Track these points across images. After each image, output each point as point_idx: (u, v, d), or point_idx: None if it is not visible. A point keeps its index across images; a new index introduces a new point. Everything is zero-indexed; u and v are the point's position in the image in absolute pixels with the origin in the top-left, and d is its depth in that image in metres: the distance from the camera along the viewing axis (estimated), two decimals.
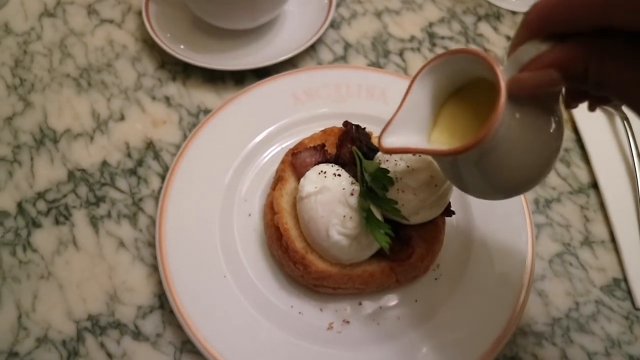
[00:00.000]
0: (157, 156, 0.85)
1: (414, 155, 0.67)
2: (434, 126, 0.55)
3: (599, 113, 0.93)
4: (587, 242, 0.81)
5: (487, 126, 0.43)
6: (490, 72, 0.44)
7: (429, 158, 0.67)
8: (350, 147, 0.72)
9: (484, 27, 1.06)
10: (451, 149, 0.47)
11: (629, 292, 0.76)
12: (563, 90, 0.50)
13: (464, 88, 0.54)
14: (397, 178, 0.65)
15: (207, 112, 0.90)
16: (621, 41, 0.38)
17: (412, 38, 1.03)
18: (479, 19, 1.07)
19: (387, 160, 0.67)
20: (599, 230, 0.82)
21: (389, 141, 0.53)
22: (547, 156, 0.48)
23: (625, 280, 0.77)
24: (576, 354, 0.71)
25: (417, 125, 0.54)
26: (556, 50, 0.42)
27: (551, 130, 0.47)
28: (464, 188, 0.55)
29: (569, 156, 0.89)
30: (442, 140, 0.54)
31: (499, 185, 0.51)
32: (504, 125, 0.44)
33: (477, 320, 0.69)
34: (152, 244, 0.76)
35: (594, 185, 0.86)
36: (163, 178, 0.82)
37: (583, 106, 0.92)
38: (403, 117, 0.53)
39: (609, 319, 0.74)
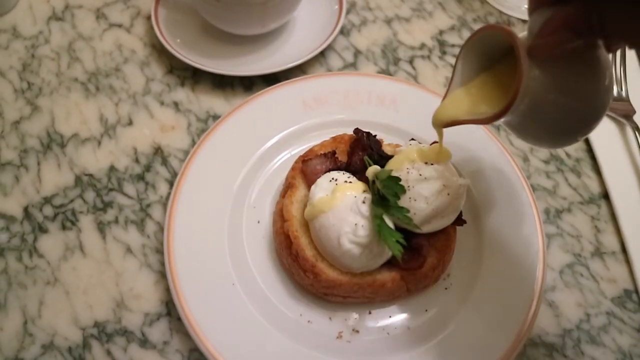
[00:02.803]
0: (165, 162, 0.84)
1: (428, 164, 0.66)
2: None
3: (609, 123, 0.92)
4: (598, 252, 0.80)
5: (511, 95, 0.48)
6: (512, 44, 0.48)
7: (442, 167, 0.66)
8: (362, 154, 0.71)
9: None
10: (487, 117, 0.53)
11: None
12: None
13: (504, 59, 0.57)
14: (409, 186, 0.65)
15: (216, 117, 0.89)
16: None
17: (423, 46, 1.02)
18: None
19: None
20: (610, 241, 0.81)
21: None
22: (594, 99, 0.51)
23: (637, 291, 0.77)
24: None
25: None
26: (559, 13, 0.45)
27: (591, 78, 0.50)
28: (530, 140, 0.60)
29: (579, 166, 0.89)
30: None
31: (558, 133, 0.55)
32: (533, 88, 0.48)
33: (487, 331, 0.68)
34: (159, 251, 0.76)
35: (605, 195, 0.86)
36: (171, 184, 0.82)
37: None
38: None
39: (620, 330, 0.73)
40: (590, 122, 0.53)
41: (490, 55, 0.56)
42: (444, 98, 0.60)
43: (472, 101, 0.57)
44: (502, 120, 0.52)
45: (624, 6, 0.41)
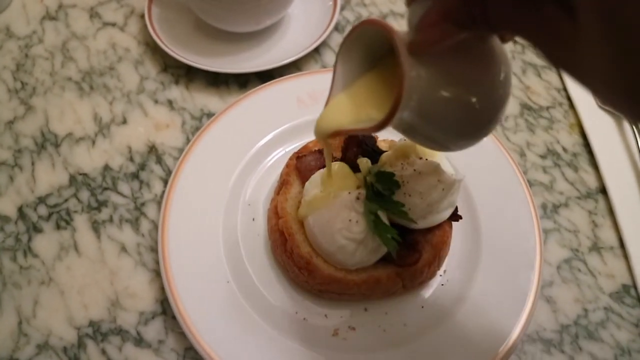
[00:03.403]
0: (159, 160, 0.84)
1: (420, 159, 0.66)
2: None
3: (606, 117, 0.92)
4: (596, 247, 0.80)
5: (393, 100, 0.43)
6: (391, 41, 0.43)
7: (436, 162, 0.66)
8: (356, 150, 0.71)
9: None
10: (371, 125, 0.47)
11: (639, 299, 0.75)
12: None
13: (387, 56, 0.51)
14: (403, 182, 0.65)
15: (210, 115, 0.89)
16: None
17: None
18: None
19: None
20: (607, 235, 0.81)
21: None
22: (488, 94, 0.47)
23: (635, 286, 0.76)
24: None
25: None
26: (437, 4, 0.41)
27: (483, 71, 0.46)
28: (428, 144, 0.54)
29: (576, 161, 0.88)
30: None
31: (453, 134, 0.50)
32: (419, 87, 0.44)
33: (484, 327, 0.68)
34: (154, 249, 0.75)
35: (602, 190, 0.85)
36: (166, 182, 0.81)
37: (590, 110, 0.92)
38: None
39: (619, 326, 0.73)
40: (487, 119, 0.48)
41: (373, 53, 0.51)
42: (325, 105, 0.53)
43: (356, 107, 0.51)
44: (390, 126, 0.46)
45: None
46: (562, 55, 0.37)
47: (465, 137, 0.50)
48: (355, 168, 0.69)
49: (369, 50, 0.50)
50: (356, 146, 0.72)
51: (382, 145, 0.75)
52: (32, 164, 0.82)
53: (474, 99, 0.46)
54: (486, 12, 0.38)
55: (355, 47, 0.50)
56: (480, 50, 0.45)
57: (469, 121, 0.48)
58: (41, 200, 0.79)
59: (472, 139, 0.51)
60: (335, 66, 0.51)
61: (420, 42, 0.42)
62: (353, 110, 0.52)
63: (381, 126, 0.45)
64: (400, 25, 1.04)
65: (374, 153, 0.71)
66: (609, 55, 0.32)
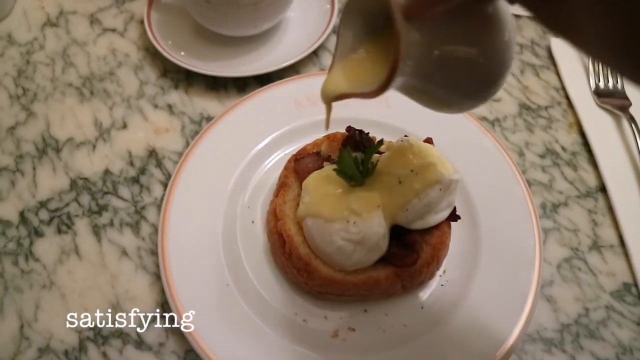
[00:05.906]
0: (159, 164, 0.84)
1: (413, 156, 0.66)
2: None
3: (605, 116, 0.91)
4: (596, 246, 0.79)
5: (390, 65, 0.43)
6: (386, 6, 0.43)
7: (434, 162, 0.66)
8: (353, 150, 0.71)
9: None
10: (370, 90, 0.47)
11: None
12: None
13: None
14: (401, 182, 0.65)
15: (209, 119, 0.89)
16: None
17: None
18: None
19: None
20: (607, 234, 0.81)
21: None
22: (490, 56, 0.47)
23: (636, 285, 0.76)
24: None
25: None
26: None
27: (483, 33, 0.46)
28: (432, 105, 0.54)
29: (575, 160, 0.88)
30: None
31: (454, 93, 0.50)
32: (417, 51, 0.44)
33: (484, 327, 0.68)
34: (154, 253, 0.76)
35: (602, 188, 0.85)
36: (165, 186, 0.82)
37: (588, 109, 0.92)
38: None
39: (620, 324, 0.73)
40: (487, 79, 0.48)
41: (376, 20, 0.50)
42: (329, 70, 0.55)
43: (358, 73, 0.53)
44: (390, 90, 0.47)
45: None
46: (555, 15, 0.36)
47: (465, 97, 0.50)
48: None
49: (371, 18, 0.51)
50: (354, 148, 0.72)
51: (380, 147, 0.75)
52: (34, 169, 0.83)
53: (470, 60, 0.46)
54: None
55: (357, 14, 0.51)
56: (479, 10, 0.45)
57: (469, 85, 0.48)
58: (42, 204, 0.80)
59: (473, 99, 0.51)
60: (338, 31, 0.52)
61: (415, 6, 0.42)
62: (356, 76, 0.53)
63: (380, 91, 0.46)
64: None
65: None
66: (602, 10, 0.31)
